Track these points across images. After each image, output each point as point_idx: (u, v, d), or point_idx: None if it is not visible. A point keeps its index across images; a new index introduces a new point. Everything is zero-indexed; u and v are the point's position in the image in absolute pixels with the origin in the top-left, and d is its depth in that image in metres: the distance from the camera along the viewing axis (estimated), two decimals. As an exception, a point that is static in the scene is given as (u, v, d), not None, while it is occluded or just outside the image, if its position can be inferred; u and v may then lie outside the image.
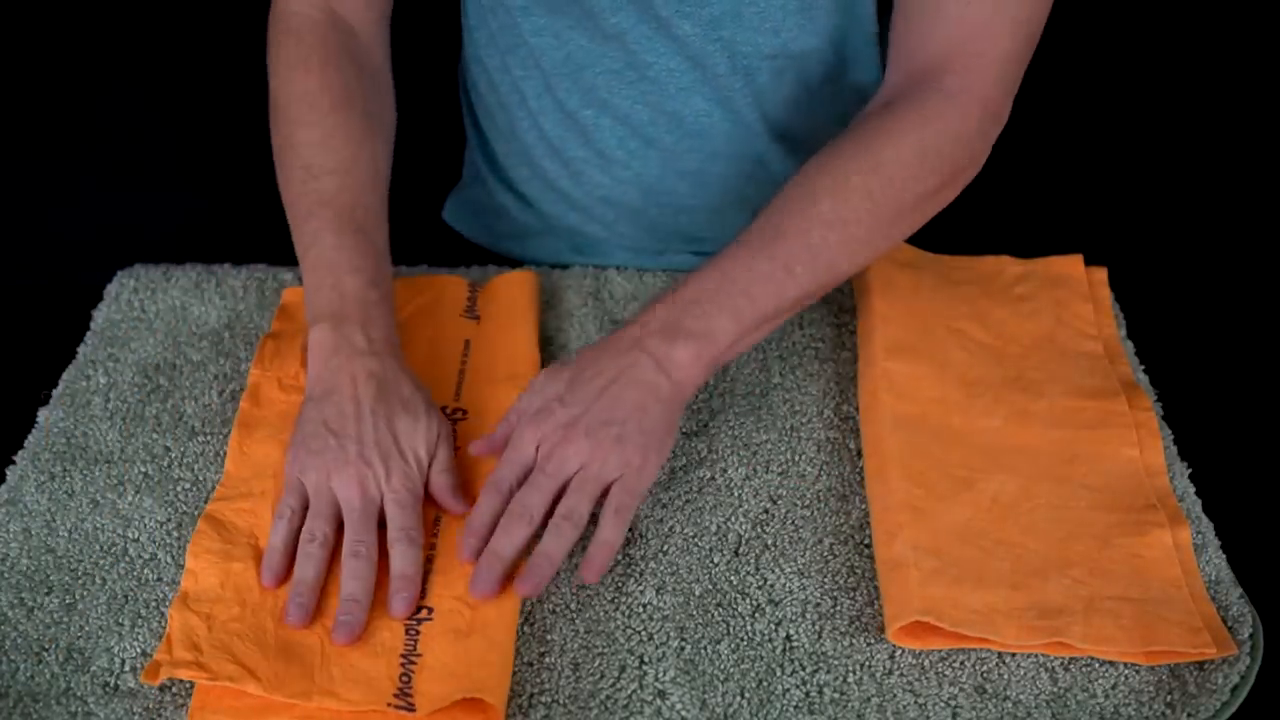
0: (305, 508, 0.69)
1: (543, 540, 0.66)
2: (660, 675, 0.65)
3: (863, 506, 0.74)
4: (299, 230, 0.77)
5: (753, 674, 0.65)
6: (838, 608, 0.69)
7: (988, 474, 0.74)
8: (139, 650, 0.66)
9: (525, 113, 0.92)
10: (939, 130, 0.76)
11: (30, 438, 0.78)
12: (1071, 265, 0.91)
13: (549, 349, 0.85)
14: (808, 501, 0.75)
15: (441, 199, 1.06)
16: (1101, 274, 0.91)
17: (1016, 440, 0.77)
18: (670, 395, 0.70)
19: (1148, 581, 0.69)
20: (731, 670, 0.66)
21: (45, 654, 0.66)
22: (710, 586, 0.70)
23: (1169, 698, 0.64)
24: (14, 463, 0.76)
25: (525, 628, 0.67)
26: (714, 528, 0.73)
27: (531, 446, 0.69)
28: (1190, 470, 0.77)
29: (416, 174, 0.92)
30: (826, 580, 0.70)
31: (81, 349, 0.85)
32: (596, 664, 0.66)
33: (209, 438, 0.78)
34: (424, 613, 0.66)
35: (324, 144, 0.78)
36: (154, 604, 0.68)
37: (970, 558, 0.69)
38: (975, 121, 0.77)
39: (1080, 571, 0.69)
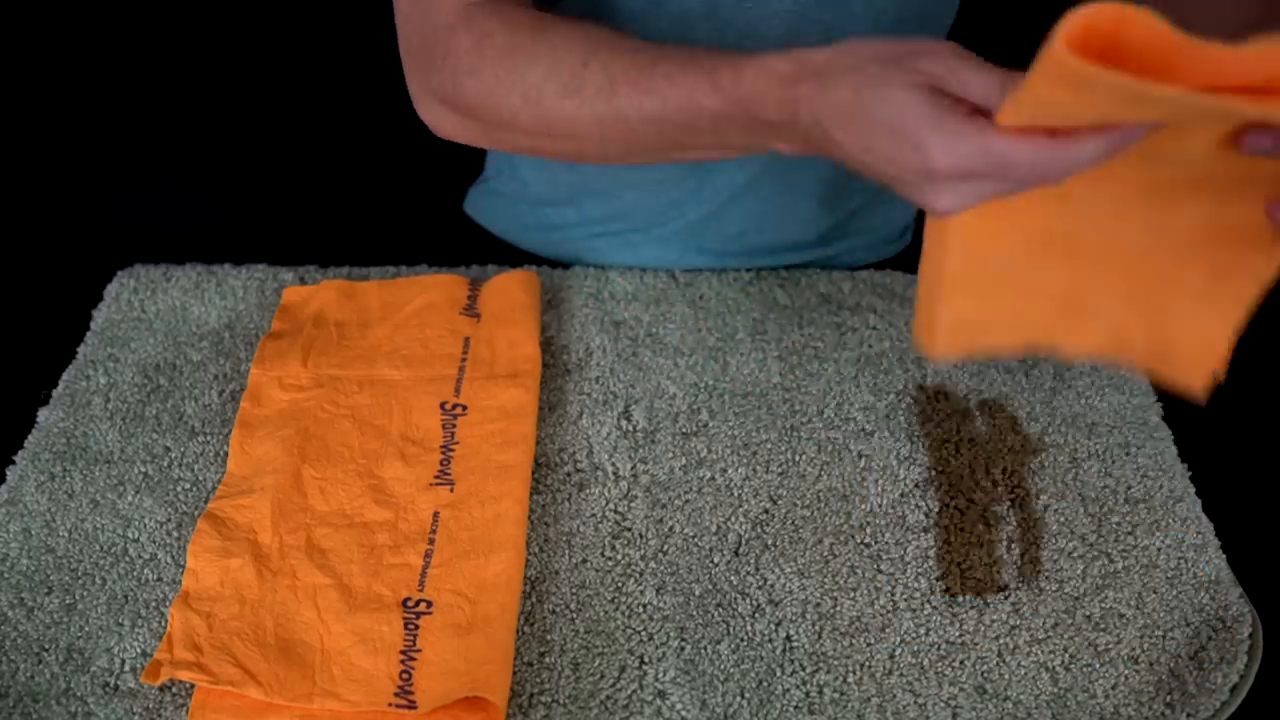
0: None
1: None
2: (660, 675, 0.65)
3: (863, 507, 0.74)
4: (646, 86, 0.67)
5: (753, 674, 0.65)
6: (838, 608, 0.69)
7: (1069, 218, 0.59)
8: (139, 650, 0.66)
9: None
10: None
11: (30, 438, 0.78)
12: None
13: (549, 349, 0.85)
14: (808, 501, 0.75)
15: (461, 192, 1.05)
16: None
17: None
18: None
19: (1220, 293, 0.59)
20: (731, 670, 0.66)
21: (45, 654, 0.66)
22: (710, 586, 0.70)
23: (1169, 698, 0.65)
24: (14, 463, 0.76)
25: (525, 628, 0.67)
26: (714, 528, 0.73)
27: None
28: (1190, 471, 0.77)
29: (435, 167, 0.91)
30: (826, 580, 0.70)
31: (81, 349, 0.85)
32: (596, 664, 0.66)
33: (209, 438, 0.78)
34: (423, 606, 0.67)
35: (573, 34, 0.70)
36: (154, 604, 0.68)
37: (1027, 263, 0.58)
38: None
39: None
